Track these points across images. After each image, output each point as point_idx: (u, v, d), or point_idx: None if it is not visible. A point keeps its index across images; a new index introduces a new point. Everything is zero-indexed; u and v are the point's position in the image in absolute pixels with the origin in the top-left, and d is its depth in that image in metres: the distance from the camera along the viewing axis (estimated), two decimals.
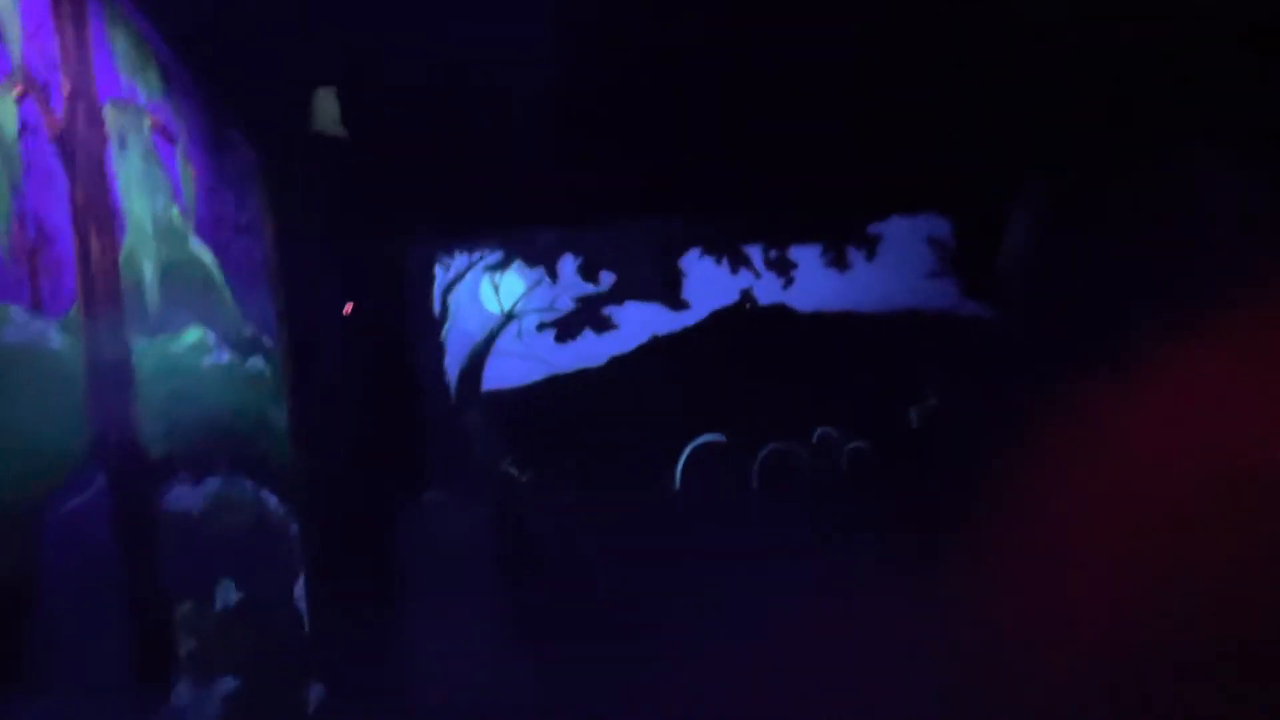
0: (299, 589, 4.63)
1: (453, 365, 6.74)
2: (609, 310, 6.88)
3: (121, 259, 2.97)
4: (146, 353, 3.09)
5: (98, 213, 2.79)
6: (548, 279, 6.86)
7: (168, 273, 3.34)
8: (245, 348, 4.27)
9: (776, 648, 5.03)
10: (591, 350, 6.81)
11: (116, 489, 2.72)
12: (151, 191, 3.26)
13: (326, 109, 4.80)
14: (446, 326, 6.77)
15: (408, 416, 6.40)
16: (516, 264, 6.86)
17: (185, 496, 3.26)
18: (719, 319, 6.88)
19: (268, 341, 4.65)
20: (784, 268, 6.91)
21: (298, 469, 4.82)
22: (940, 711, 4.76)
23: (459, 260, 6.82)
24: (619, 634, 5.48)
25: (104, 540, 2.65)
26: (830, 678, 4.79)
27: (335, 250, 5.79)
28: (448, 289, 6.81)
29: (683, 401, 6.66)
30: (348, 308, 5.94)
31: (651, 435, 6.62)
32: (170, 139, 3.59)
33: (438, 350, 6.73)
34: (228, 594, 3.53)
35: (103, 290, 2.76)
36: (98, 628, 2.58)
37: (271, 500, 4.36)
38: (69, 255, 2.67)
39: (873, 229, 6.91)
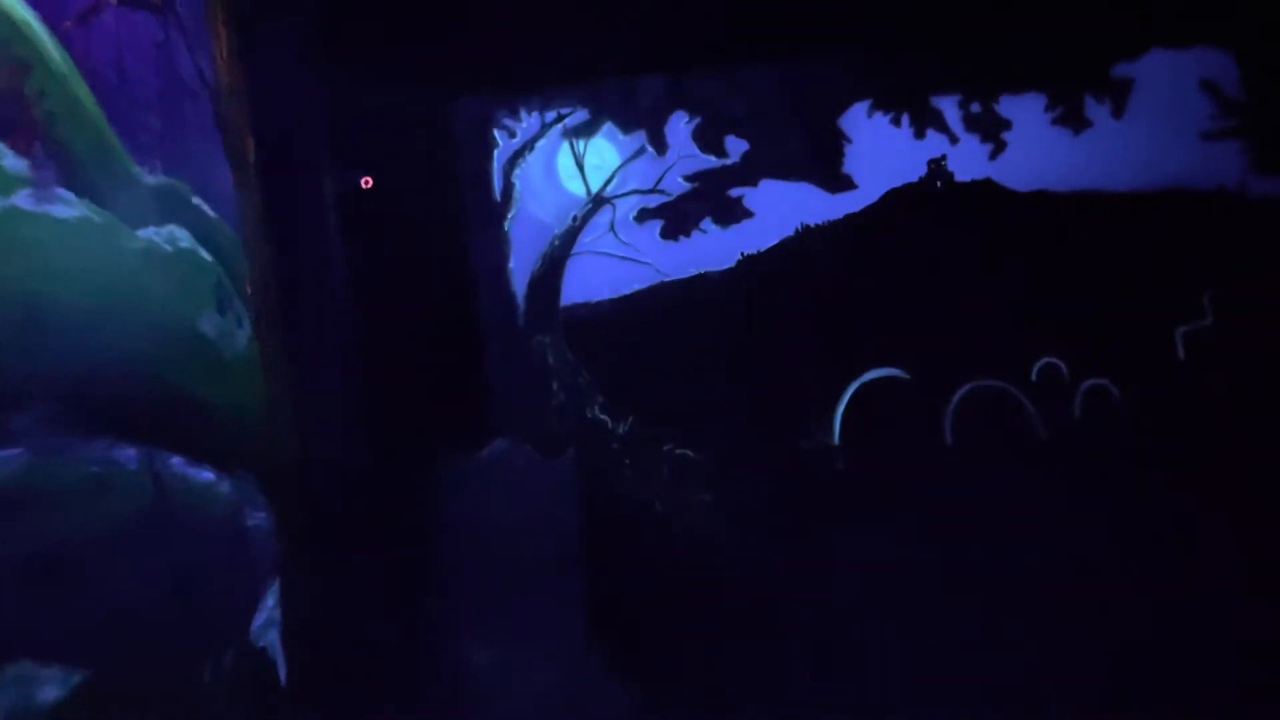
0: (263, 618, 3.41)
1: (520, 269, 5.92)
2: (738, 191, 5.95)
3: None
4: None
5: None
6: (651, 148, 5.93)
7: None
8: (140, 205, 2.91)
9: (968, 681, 4.57)
10: (714, 248, 5.95)
11: None
12: None
13: None
14: (511, 214, 5.91)
15: (453, 342, 5.55)
16: (608, 127, 5.94)
17: None
18: (897, 203, 5.84)
19: (205, 207, 3.45)
20: (992, 128, 5.81)
21: (268, 422, 3.60)
22: None
23: (528, 121, 5.94)
24: (743, 649, 5.00)
25: None
26: None
27: (338, 94, 4.82)
28: (512, 161, 5.92)
29: (844, 321, 5.76)
30: (365, 180, 5.05)
31: (799, 368, 5.70)
32: None
33: (498, 247, 5.89)
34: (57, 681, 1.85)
35: None
36: None
37: (201, 477, 3.12)
38: None
39: (1120, 70, 5.75)
